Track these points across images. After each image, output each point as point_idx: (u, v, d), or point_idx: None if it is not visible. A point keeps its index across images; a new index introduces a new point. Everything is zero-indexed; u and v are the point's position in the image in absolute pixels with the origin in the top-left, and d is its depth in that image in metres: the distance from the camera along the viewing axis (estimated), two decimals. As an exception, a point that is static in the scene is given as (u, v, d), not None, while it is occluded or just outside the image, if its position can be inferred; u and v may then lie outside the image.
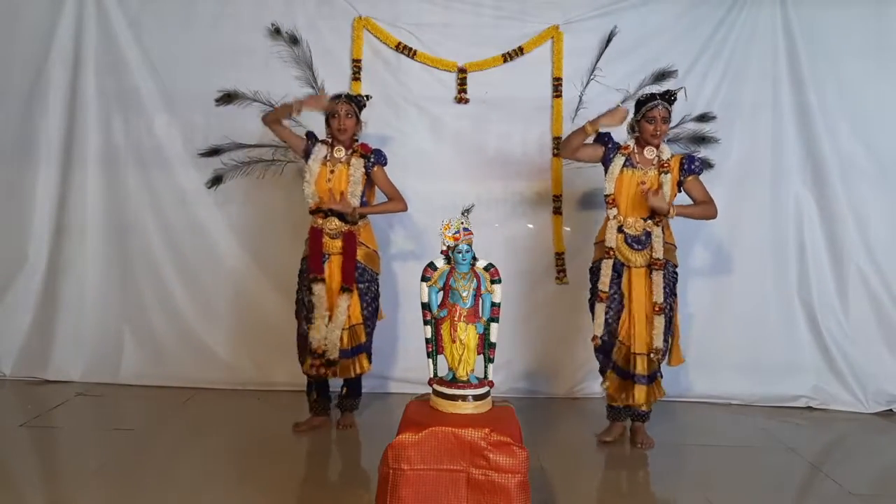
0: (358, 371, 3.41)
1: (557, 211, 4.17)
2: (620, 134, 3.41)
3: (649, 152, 3.29)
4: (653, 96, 3.26)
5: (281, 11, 4.12)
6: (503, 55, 4.15)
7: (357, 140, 3.47)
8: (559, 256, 4.18)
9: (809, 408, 4.05)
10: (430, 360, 2.30)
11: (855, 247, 4.10)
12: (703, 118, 3.98)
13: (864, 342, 4.08)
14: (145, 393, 3.99)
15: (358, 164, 3.38)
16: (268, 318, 4.07)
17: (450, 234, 2.25)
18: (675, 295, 3.33)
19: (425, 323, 2.31)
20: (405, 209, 3.54)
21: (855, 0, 4.11)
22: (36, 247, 4.19)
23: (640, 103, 3.30)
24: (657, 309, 3.21)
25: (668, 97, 3.27)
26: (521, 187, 4.19)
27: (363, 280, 3.41)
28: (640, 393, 3.24)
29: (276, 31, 4.09)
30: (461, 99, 4.16)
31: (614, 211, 3.28)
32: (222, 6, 4.17)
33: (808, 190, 4.13)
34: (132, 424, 3.49)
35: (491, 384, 2.29)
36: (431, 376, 2.30)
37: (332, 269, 3.38)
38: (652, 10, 4.15)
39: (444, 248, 2.28)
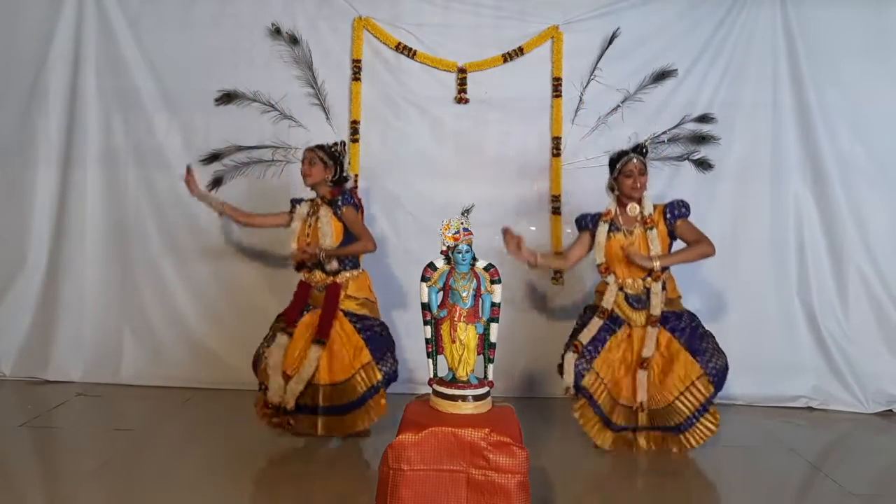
0: (374, 417, 3.24)
1: (556, 211, 4.17)
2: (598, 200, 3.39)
3: (632, 210, 3.23)
4: (625, 152, 3.24)
5: (281, 11, 4.13)
6: (503, 55, 4.15)
7: (336, 182, 3.38)
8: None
9: (809, 408, 4.05)
10: (430, 361, 2.30)
11: (855, 247, 4.10)
12: (703, 119, 3.98)
13: (864, 342, 4.08)
14: (145, 393, 3.99)
15: (326, 211, 3.32)
16: (267, 319, 4.02)
17: (449, 235, 2.25)
18: (708, 334, 3.28)
19: (425, 323, 2.30)
20: (372, 249, 3.36)
21: (855, 0, 4.11)
22: (36, 247, 4.20)
23: (614, 161, 3.27)
24: (643, 364, 3.16)
25: (641, 150, 3.24)
26: (521, 187, 4.18)
27: (366, 329, 3.31)
28: (641, 440, 3.23)
29: (276, 31, 4.10)
30: (461, 99, 4.16)
31: (612, 277, 3.24)
32: (222, 6, 4.17)
33: (808, 189, 4.14)
34: (132, 424, 3.49)
35: (491, 384, 2.29)
36: (431, 376, 2.30)
37: (310, 318, 3.32)
38: (652, 11, 4.16)
39: (444, 248, 2.27)
